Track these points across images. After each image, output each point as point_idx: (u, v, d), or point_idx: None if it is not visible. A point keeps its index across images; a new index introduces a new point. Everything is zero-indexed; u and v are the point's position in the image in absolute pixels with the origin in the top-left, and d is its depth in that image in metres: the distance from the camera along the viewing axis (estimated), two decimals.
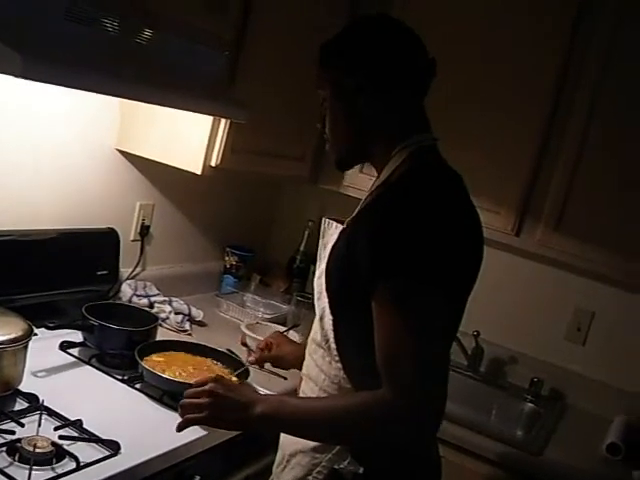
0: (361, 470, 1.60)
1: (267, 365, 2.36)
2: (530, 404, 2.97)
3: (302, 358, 1.98)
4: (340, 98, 1.65)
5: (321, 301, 1.67)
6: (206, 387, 1.63)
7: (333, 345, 1.64)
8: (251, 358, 2.19)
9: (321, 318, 1.68)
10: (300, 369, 2.02)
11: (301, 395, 1.78)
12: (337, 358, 1.65)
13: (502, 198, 2.76)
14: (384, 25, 1.64)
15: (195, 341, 2.42)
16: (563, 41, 2.67)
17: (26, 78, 1.51)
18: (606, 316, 3.01)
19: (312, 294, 1.80)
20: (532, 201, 2.77)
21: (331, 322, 1.64)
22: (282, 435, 1.79)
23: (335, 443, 1.63)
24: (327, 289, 1.64)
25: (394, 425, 1.48)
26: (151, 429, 1.92)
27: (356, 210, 1.65)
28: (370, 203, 1.60)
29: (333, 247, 1.66)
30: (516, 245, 2.86)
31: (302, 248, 3.43)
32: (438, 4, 2.83)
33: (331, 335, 1.64)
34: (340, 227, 1.68)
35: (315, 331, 1.73)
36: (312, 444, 1.65)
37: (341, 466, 1.62)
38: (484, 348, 3.11)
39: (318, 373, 1.71)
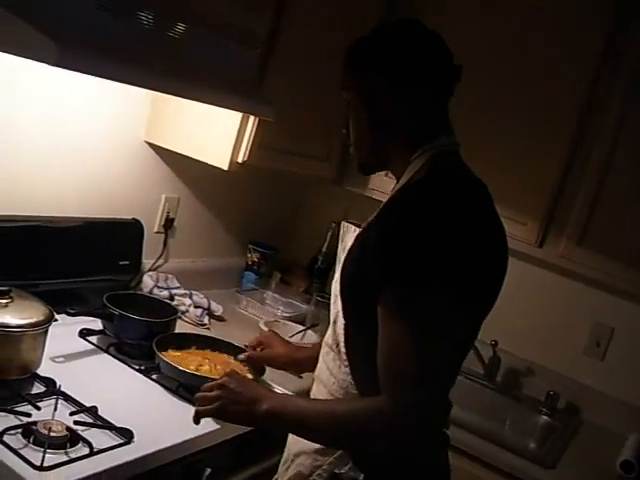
0: (361, 477, 1.60)
1: None
2: (545, 417, 2.95)
3: (293, 362, 2.03)
4: (364, 100, 1.65)
5: (336, 305, 1.67)
6: (219, 381, 1.67)
7: (343, 349, 1.64)
8: (241, 356, 2.20)
9: (334, 321, 1.68)
10: (294, 372, 2.11)
11: (312, 397, 1.79)
12: (346, 363, 1.64)
13: (528, 209, 2.75)
14: (411, 29, 1.64)
15: (213, 335, 2.43)
16: (594, 58, 2.67)
17: (60, 67, 1.53)
18: (626, 333, 2.99)
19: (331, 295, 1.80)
20: (557, 214, 2.76)
21: (343, 326, 1.63)
22: (290, 435, 1.79)
23: (334, 447, 1.62)
24: (340, 293, 1.64)
25: (390, 434, 1.48)
26: (165, 420, 1.93)
27: (378, 210, 1.63)
28: (383, 207, 1.58)
29: (348, 251, 1.65)
30: (539, 256, 2.84)
31: (324, 249, 3.43)
32: (472, 15, 2.84)
33: (342, 339, 1.64)
34: (358, 231, 1.67)
35: (328, 334, 1.73)
36: (315, 446, 1.66)
37: (342, 471, 1.62)
38: (501, 358, 3.09)
39: (328, 376, 1.70)
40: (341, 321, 1.64)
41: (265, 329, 2.50)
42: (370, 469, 1.60)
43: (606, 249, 2.66)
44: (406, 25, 1.66)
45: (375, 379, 1.51)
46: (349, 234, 1.73)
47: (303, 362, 2.06)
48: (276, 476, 1.83)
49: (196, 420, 1.69)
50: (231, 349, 2.32)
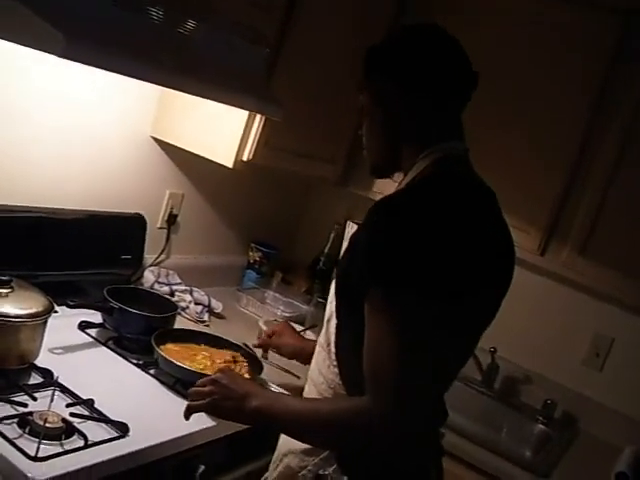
0: (345, 479, 1.59)
1: (281, 363, 2.39)
2: (541, 426, 2.95)
3: (301, 351, 2.10)
4: (378, 103, 1.65)
5: (332, 304, 1.67)
6: (212, 376, 1.68)
7: (333, 349, 1.64)
8: (255, 342, 2.30)
9: (328, 320, 1.68)
10: (300, 361, 2.15)
11: (304, 396, 1.79)
12: (335, 362, 1.64)
13: (531, 217, 2.74)
14: (429, 34, 1.64)
15: (212, 332, 2.44)
16: (600, 70, 2.67)
17: (67, 58, 1.52)
18: (626, 344, 2.99)
19: None
20: (560, 223, 2.75)
21: (335, 326, 1.64)
22: (281, 434, 1.79)
23: (319, 446, 1.62)
24: (335, 292, 1.64)
25: (371, 435, 1.47)
26: (161, 415, 1.93)
27: None
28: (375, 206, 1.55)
29: (345, 249, 1.66)
30: (540, 265, 2.84)
31: (327, 250, 3.42)
32: (477, 28, 2.82)
33: (333, 339, 1.64)
34: None
35: (321, 333, 1.73)
36: (302, 446, 1.65)
37: (326, 472, 1.62)
38: (500, 365, 3.09)
39: (317, 376, 1.71)
40: (334, 321, 1.65)
41: (264, 328, 2.50)
42: (354, 472, 1.60)
43: (608, 260, 2.65)
44: (425, 30, 1.66)
45: (362, 380, 1.50)
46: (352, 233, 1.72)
47: (309, 354, 2.04)
48: (266, 475, 1.84)
49: (187, 415, 1.69)
50: (230, 346, 2.32)
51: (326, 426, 1.55)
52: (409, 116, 1.62)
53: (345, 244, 1.78)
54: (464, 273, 1.49)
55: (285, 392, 2.17)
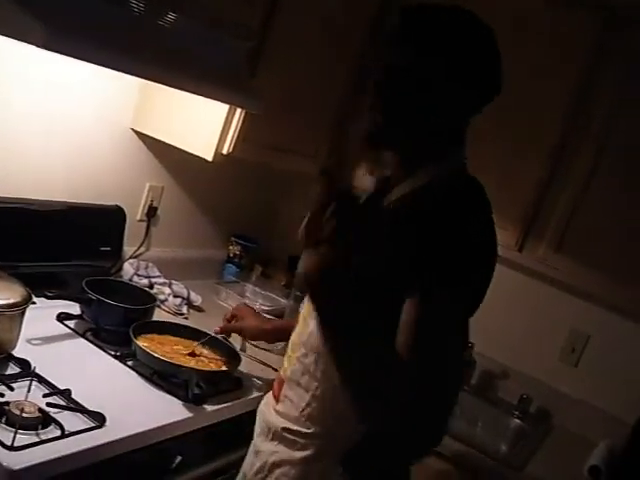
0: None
1: (259, 356, 2.40)
2: (517, 420, 2.98)
3: (266, 332, 2.20)
4: (414, 76, 1.56)
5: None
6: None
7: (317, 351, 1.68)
8: (216, 328, 2.28)
9: (308, 316, 1.71)
10: (265, 340, 2.27)
11: (284, 398, 1.77)
12: (319, 359, 1.67)
13: (509, 214, 2.76)
14: (479, 29, 1.60)
15: (191, 325, 2.44)
16: (579, 69, 2.69)
17: (47, 49, 1.53)
18: (601, 340, 3.02)
19: None
20: (538, 219, 2.77)
21: (315, 323, 1.67)
22: (260, 443, 1.79)
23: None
24: (355, 298, 1.62)
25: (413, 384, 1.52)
26: (138, 406, 1.94)
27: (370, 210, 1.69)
28: (408, 211, 1.60)
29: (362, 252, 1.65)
30: (518, 261, 2.87)
31: None
32: None
33: (315, 335, 1.67)
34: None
35: (300, 333, 1.74)
36: (299, 455, 1.67)
37: None
38: (476, 360, 3.12)
39: (308, 379, 1.71)
40: (315, 317, 1.67)
41: None
42: (357, 476, 1.63)
43: (584, 257, 2.68)
44: (476, 24, 1.60)
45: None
46: None
47: (273, 333, 2.23)
48: (240, 476, 1.84)
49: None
50: (206, 338, 2.32)
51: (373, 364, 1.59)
52: (438, 105, 1.58)
53: None
54: (481, 275, 1.62)
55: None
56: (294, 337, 1.78)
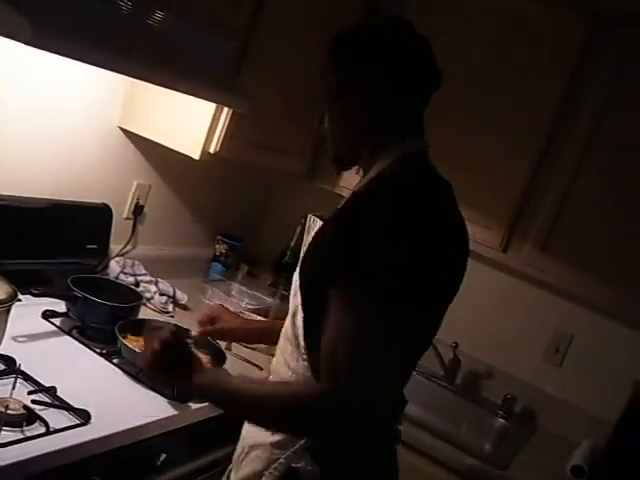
0: (318, 470, 1.61)
1: (244, 354, 2.40)
2: (501, 420, 3.00)
3: (247, 333, 2.14)
4: (347, 92, 1.65)
5: (296, 297, 1.66)
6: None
7: (302, 343, 1.64)
8: (193, 333, 2.16)
9: (294, 314, 1.67)
10: (245, 343, 2.23)
11: None
12: (304, 356, 1.63)
13: (494, 213, 2.78)
14: (402, 28, 1.66)
15: (176, 323, 2.44)
16: (566, 69, 2.72)
17: (33, 46, 1.53)
18: (584, 341, 3.04)
19: None
20: (522, 219, 2.80)
21: (302, 319, 1.63)
22: (244, 428, 1.79)
23: (262, 426, 1.64)
24: (300, 286, 1.64)
25: (320, 416, 1.50)
26: (123, 404, 1.94)
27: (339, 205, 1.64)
28: (347, 201, 1.60)
29: (310, 243, 1.67)
30: (502, 261, 2.89)
31: (293, 244, 3.43)
32: (452, 24, 2.86)
33: (301, 333, 1.63)
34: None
35: (286, 327, 1.72)
36: (272, 439, 1.65)
37: (299, 465, 1.62)
38: (461, 360, 3.13)
39: (285, 370, 1.70)
40: (300, 314, 1.64)
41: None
42: (327, 463, 1.62)
43: (569, 257, 2.70)
44: (399, 25, 1.66)
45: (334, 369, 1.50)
46: (315, 227, 1.73)
47: (253, 334, 2.19)
48: (230, 467, 1.84)
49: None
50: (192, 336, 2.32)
51: (281, 409, 1.55)
52: (378, 111, 1.64)
53: (306, 237, 1.77)
54: (433, 266, 1.54)
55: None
56: (282, 331, 1.78)
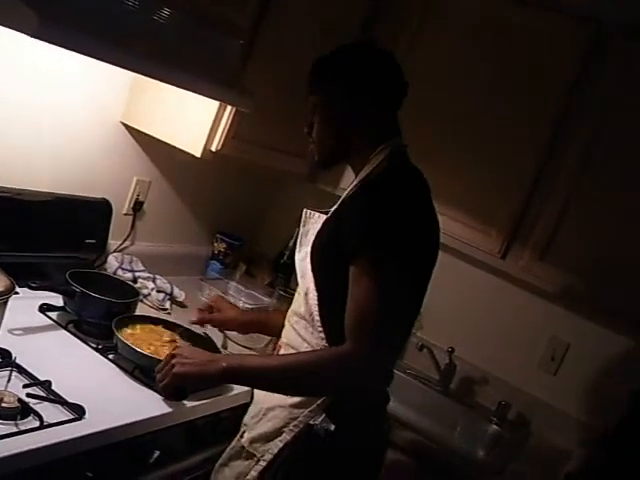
0: (332, 427, 1.82)
1: (240, 340, 2.49)
2: (495, 426, 3.00)
3: (243, 323, 2.30)
4: (328, 104, 1.94)
5: (306, 279, 1.91)
6: (169, 352, 1.87)
7: (317, 318, 1.87)
8: (193, 319, 2.33)
9: (306, 294, 1.90)
10: (245, 331, 2.36)
11: None
12: (320, 329, 1.87)
13: (494, 220, 2.78)
14: (367, 49, 1.99)
15: (173, 320, 2.44)
16: (568, 77, 2.72)
17: (39, 38, 1.53)
18: (580, 349, 3.04)
19: (295, 290, 2.01)
20: (522, 227, 2.79)
21: (316, 298, 1.87)
22: (257, 393, 2.01)
23: (296, 393, 1.86)
24: (313, 269, 1.88)
25: (354, 374, 1.75)
26: (118, 399, 1.94)
27: (339, 200, 1.92)
28: (359, 191, 1.86)
29: (318, 233, 1.90)
30: (501, 268, 2.88)
31: (291, 244, 3.42)
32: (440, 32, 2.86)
33: (315, 309, 1.87)
34: (323, 217, 1.95)
35: (299, 304, 1.94)
36: (290, 400, 1.87)
37: (315, 422, 1.83)
38: (457, 365, 3.13)
39: (301, 342, 1.91)
40: (313, 293, 1.87)
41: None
42: (340, 420, 1.83)
43: (567, 265, 2.70)
44: (364, 45, 2.05)
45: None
46: (313, 219, 1.99)
47: (250, 324, 2.35)
48: (242, 429, 1.99)
49: (168, 396, 1.92)
50: (188, 333, 2.33)
51: (311, 373, 1.77)
52: (357, 116, 1.92)
53: (303, 229, 1.99)
54: (425, 243, 1.90)
55: None
56: (290, 310, 2.02)
